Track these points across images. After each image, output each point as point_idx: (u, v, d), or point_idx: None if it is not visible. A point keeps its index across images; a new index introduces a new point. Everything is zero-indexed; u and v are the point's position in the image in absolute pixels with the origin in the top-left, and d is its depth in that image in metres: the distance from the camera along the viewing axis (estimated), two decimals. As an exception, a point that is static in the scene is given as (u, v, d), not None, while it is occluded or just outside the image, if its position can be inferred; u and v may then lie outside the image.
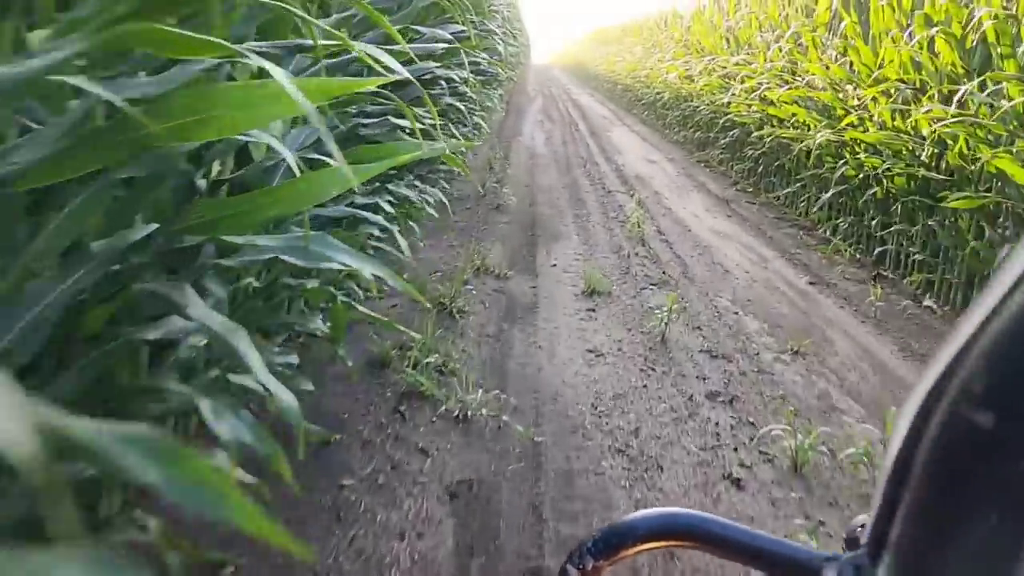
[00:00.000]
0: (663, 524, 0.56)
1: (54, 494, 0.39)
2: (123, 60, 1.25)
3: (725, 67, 9.28)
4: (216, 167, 1.68)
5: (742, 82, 8.77)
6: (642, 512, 0.57)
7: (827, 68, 6.29)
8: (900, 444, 0.29)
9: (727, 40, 9.98)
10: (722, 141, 9.50)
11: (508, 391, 2.98)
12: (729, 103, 8.66)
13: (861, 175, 5.56)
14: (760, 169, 8.21)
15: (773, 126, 7.65)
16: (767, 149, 7.72)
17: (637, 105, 17.24)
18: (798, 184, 7.18)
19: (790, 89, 7.13)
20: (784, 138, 7.07)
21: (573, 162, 9.40)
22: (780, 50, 7.82)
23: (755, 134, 8.04)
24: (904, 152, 5.01)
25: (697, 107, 10.66)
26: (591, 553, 0.56)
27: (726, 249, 5.65)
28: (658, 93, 13.94)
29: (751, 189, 8.37)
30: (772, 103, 7.45)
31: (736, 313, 4.22)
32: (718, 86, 9.58)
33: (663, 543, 0.56)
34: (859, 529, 0.39)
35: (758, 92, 7.76)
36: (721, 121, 9.12)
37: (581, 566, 0.56)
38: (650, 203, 7.17)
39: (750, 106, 8.11)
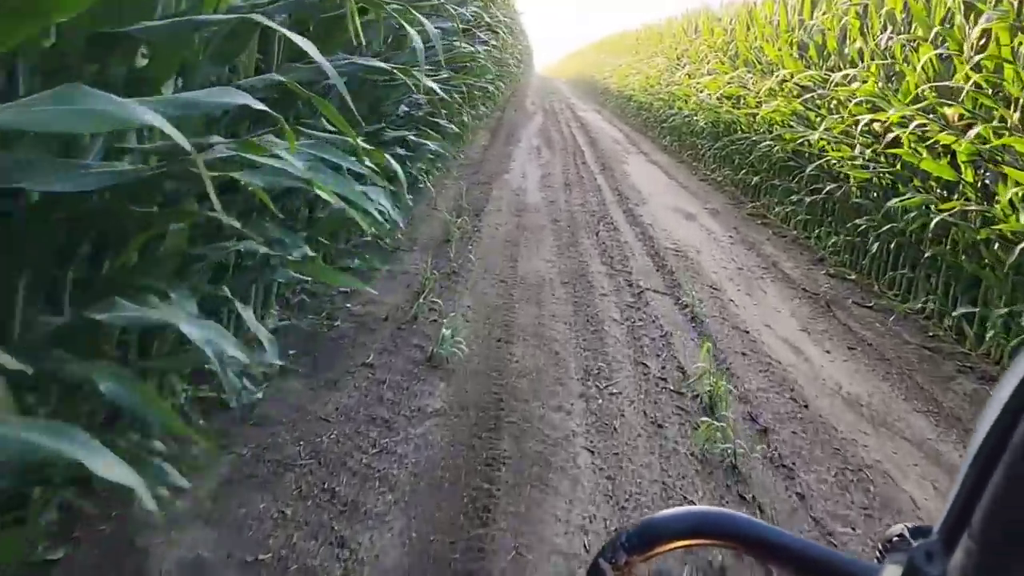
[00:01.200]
0: (700, 523, 0.56)
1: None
2: None
3: (806, 85, 6.32)
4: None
5: (838, 110, 5.79)
6: (680, 509, 0.57)
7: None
8: (990, 429, 0.28)
9: (799, 49, 7.04)
10: (800, 194, 6.52)
11: None
12: (819, 142, 5.69)
13: None
14: (875, 251, 5.20)
15: (910, 188, 4.68)
16: (904, 226, 4.71)
17: (654, 127, 14.27)
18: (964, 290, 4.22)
19: (950, 132, 4.17)
20: (944, 215, 4.10)
21: (579, 221, 6.35)
22: (913, 65, 4.85)
23: (860, 193, 5.08)
24: None
25: (752, 140, 7.70)
26: (624, 548, 0.55)
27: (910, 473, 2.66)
28: (686, 116, 10.99)
29: (854, 276, 5.40)
30: (917, 150, 4.49)
31: None
32: (790, 114, 6.62)
33: (699, 541, 0.56)
34: (896, 536, 0.38)
35: (868, 127, 4.78)
36: (805, 167, 6.12)
37: (614, 560, 0.55)
38: (711, 315, 4.19)
39: (865, 150, 5.14)
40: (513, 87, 21.81)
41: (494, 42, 8.61)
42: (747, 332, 4.04)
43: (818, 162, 5.69)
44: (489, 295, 4.11)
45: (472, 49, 5.70)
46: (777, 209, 7.22)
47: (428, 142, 4.96)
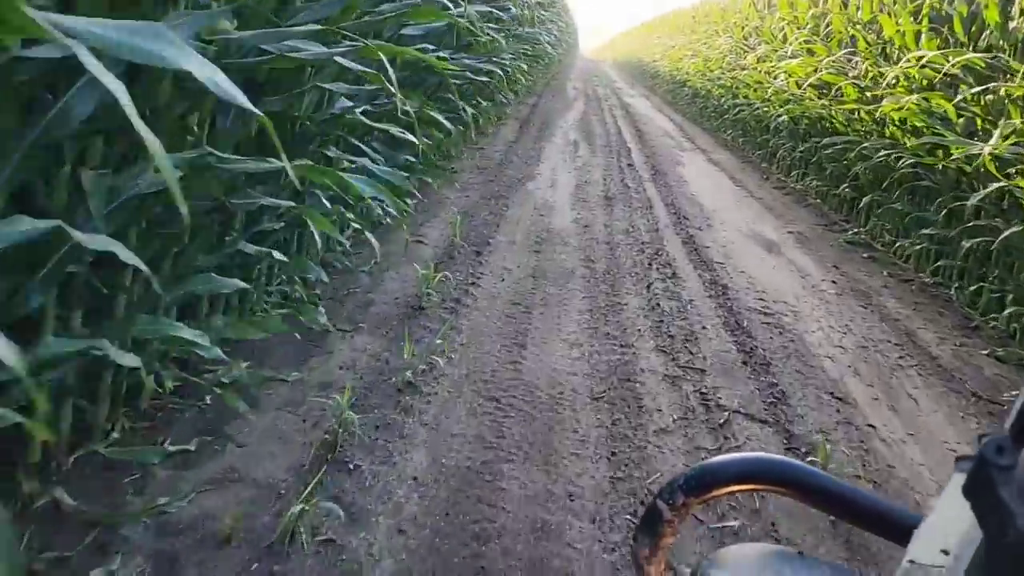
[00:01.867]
0: (756, 468, 0.57)
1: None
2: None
3: (955, 75, 4.42)
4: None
5: (1013, 113, 3.91)
6: (737, 455, 0.59)
7: None
8: None
9: (930, 22, 5.12)
10: (943, 226, 4.64)
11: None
12: (987, 159, 3.81)
13: None
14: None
15: None
16: None
17: (713, 117, 12.32)
18: None
19: None
20: None
21: (624, 262, 4.48)
22: None
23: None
24: None
25: (854, 142, 5.81)
26: (682, 490, 0.57)
27: None
28: (756, 109, 9.07)
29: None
30: None
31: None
32: (923, 113, 4.72)
33: (754, 486, 0.57)
34: (979, 443, 0.35)
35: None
36: (960, 192, 4.22)
37: (671, 501, 0.57)
38: (851, 471, 2.41)
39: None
40: (553, 71, 19.95)
41: (507, 13, 6.83)
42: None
43: (986, 189, 3.80)
44: (462, 443, 2.31)
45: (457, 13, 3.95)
46: (891, 239, 5.35)
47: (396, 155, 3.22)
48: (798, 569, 0.55)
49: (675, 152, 9.53)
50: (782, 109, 7.83)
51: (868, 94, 5.67)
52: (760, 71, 8.92)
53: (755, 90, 9.28)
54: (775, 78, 8.37)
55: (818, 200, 7.02)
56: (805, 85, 6.59)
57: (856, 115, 6.02)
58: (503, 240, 4.59)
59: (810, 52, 7.13)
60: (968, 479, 0.32)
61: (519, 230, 4.86)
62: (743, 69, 9.84)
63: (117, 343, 1.67)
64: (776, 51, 8.52)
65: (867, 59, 5.70)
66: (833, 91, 6.50)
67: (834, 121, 6.55)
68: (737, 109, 10.04)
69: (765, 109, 8.71)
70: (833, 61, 6.19)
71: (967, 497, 0.32)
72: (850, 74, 6.08)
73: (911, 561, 0.39)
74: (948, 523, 0.36)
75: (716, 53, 11.96)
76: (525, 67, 10.37)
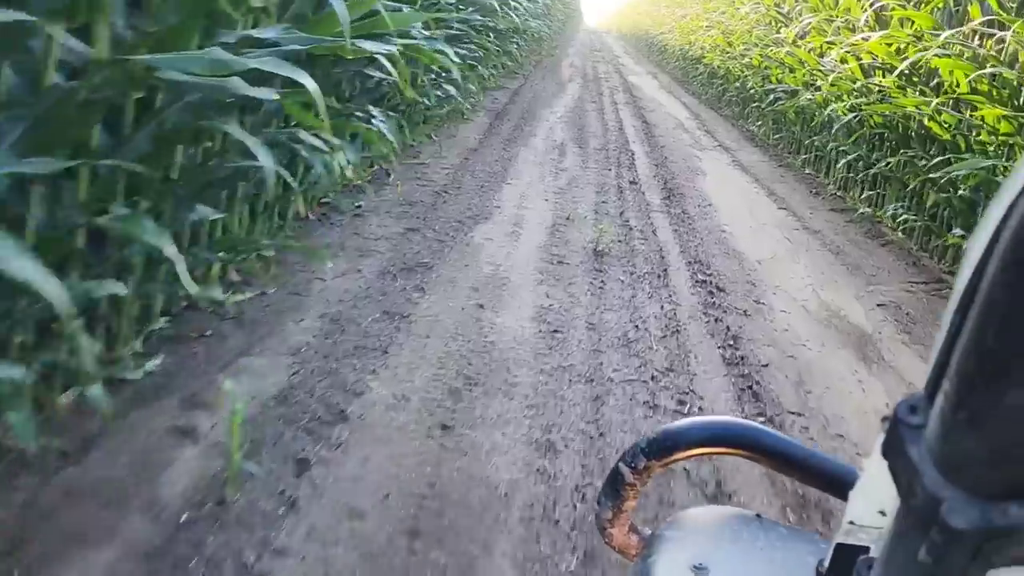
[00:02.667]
0: (718, 432, 0.57)
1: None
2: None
3: None
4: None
5: None
6: (699, 418, 0.60)
7: None
8: (970, 270, 0.25)
9: None
10: None
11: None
12: None
13: None
14: None
15: None
16: None
17: (735, 103, 10.09)
18: None
19: None
20: None
21: (615, 435, 2.30)
22: None
23: None
24: None
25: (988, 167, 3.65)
26: (644, 454, 0.57)
27: None
28: (799, 97, 6.85)
29: None
30: None
31: None
32: None
33: (716, 450, 0.58)
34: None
35: None
36: None
37: (633, 465, 0.57)
38: None
39: None
40: (548, 47, 17.63)
41: None
42: None
43: None
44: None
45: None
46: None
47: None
48: (755, 531, 0.56)
49: (692, 153, 7.32)
50: (842, 104, 5.62)
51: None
52: (805, 48, 6.69)
53: (795, 73, 7.07)
54: (824, 57, 6.18)
55: (902, 236, 4.86)
56: (897, 71, 4.35)
57: (987, 125, 3.85)
58: (372, 411, 2.34)
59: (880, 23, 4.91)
60: (884, 439, 0.30)
61: (424, 363, 2.61)
62: (779, 45, 7.61)
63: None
64: (829, 20, 6.28)
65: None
66: (935, 81, 4.32)
67: (933, 127, 4.37)
68: (772, 97, 7.81)
69: (811, 99, 6.50)
70: (951, 37, 3.96)
71: (884, 457, 0.30)
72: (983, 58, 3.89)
73: (851, 522, 0.38)
74: (880, 484, 0.33)
75: (741, 24, 9.67)
76: (495, 46, 8.16)
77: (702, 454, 0.58)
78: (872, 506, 0.36)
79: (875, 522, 0.37)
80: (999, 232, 0.23)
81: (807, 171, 6.92)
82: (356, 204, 4.15)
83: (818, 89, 6.31)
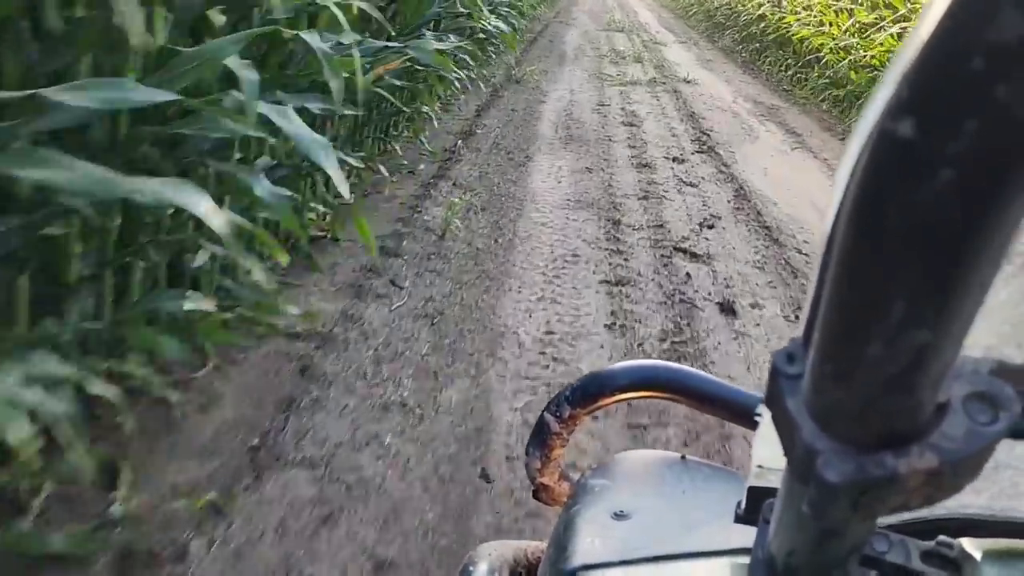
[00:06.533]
0: (641, 376, 0.58)
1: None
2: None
3: None
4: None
5: None
6: (621, 364, 0.60)
7: None
8: (834, 209, 0.24)
9: None
10: None
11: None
12: None
13: None
14: None
15: None
16: None
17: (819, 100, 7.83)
18: None
19: None
20: None
21: None
22: None
23: None
24: None
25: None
26: (568, 402, 0.58)
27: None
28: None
29: None
30: None
31: None
32: None
33: (640, 394, 0.58)
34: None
35: None
36: None
37: (559, 415, 0.58)
38: None
39: None
40: (545, 15, 13.70)
41: None
42: None
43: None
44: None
45: None
46: None
47: None
48: (679, 472, 0.56)
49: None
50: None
51: None
52: None
53: None
54: None
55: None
56: None
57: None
58: None
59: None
60: (766, 390, 0.28)
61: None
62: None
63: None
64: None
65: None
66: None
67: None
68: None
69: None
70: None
71: (768, 407, 0.28)
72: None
73: (759, 466, 0.38)
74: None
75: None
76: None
77: (625, 399, 0.59)
78: (777, 449, 0.31)
79: (781, 465, 0.33)
80: (850, 180, 0.21)
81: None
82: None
83: None
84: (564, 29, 12.51)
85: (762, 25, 10.50)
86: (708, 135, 5.94)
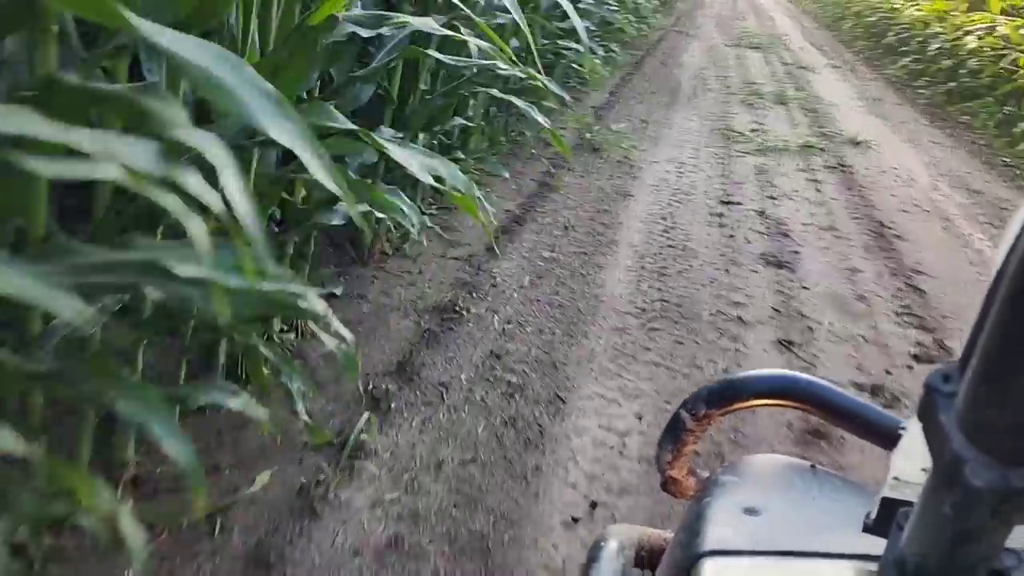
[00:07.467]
0: (780, 386, 0.59)
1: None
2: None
3: None
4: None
5: None
6: (760, 371, 0.62)
7: None
8: (1007, 245, 0.27)
9: None
10: None
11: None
12: None
13: None
14: None
15: None
16: None
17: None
18: None
19: None
20: None
21: None
22: None
23: None
24: None
25: None
26: (705, 402, 0.59)
27: None
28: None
29: None
30: None
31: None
32: None
33: (776, 402, 0.59)
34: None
35: None
36: None
37: (694, 412, 0.59)
38: None
39: None
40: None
41: None
42: None
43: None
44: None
45: None
46: None
47: None
48: (809, 481, 0.56)
49: None
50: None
51: None
52: None
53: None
54: None
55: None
56: None
57: None
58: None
59: None
60: (920, 404, 0.33)
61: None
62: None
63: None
64: None
65: None
66: None
67: None
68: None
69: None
70: None
71: (920, 420, 0.33)
72: None
73: (895, 478, 0.40)
74: (921, 443, 0.35)
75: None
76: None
77: (761, 405, 0.59)
78: (915, 463, 0.37)
79: (917, 478, 0.37)
80: None
81: None
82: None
83: None
84: (683, 43, 9.71)
85: (961, 55, 7.56)
86: (919, 289, 3.23)
